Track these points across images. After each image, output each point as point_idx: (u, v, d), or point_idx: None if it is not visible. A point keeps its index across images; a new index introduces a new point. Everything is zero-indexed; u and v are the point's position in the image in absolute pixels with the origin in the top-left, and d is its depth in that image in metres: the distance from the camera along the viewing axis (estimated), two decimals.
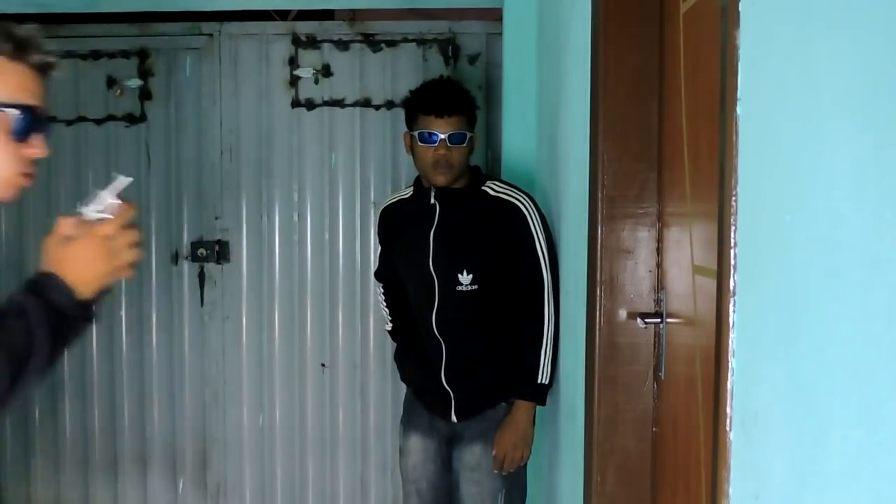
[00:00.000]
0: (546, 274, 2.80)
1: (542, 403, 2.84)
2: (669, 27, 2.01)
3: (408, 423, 3.06)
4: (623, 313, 2.15)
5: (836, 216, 0.95)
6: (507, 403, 2.86)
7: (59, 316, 1.42)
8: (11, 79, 1.48)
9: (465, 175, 2.88)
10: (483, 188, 2.88)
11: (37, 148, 1.50)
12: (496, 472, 2.84)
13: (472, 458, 2.89)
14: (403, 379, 3.13)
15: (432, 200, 2.87)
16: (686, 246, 1.85)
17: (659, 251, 2.13)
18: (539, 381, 2.79)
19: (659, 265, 2.14)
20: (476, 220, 2.84)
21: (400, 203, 3.01)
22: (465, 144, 2.81)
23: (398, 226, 2.99)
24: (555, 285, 2.81)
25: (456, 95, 2.85)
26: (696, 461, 1.69)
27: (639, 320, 2.11)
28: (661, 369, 2.07)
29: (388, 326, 3.18)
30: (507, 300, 2.87)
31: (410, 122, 2.86)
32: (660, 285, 2.12)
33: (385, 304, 3.16)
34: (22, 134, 1.47)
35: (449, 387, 2.90)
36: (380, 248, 3.13)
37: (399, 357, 3.16)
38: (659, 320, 2.05)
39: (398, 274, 3.03)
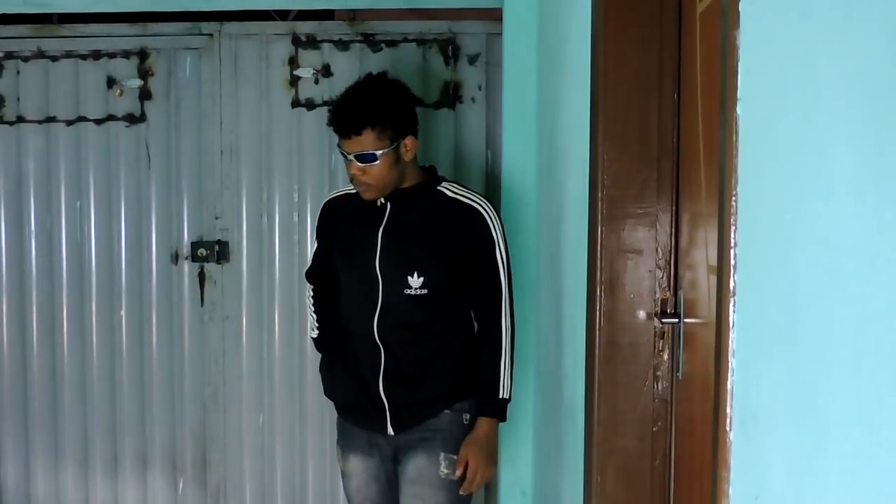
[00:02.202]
0: (504, 283, 2.69)
1: (504, 419, 2.73)
2: (686, 27, 2.01)
3: (345, 444, 2.85)
4: (629, 313, 2.16)
5: (836, 216, 0.95)
6: (451, 411, 2.71)
7: None
8: None
9: (413, 175, 2.70)
10: (439, 188, 2.72)
11: None
12: (462, 493, 2.68)
13: (414, 471, 2.70)
14: (327, 392, 2.91)
15: (383, 199, 2.68)
16: (703, 245, 1.86)
17: (676, 251, 2.14)
18: (501, 395, 2.68)
19: (671, 264, 2.14)
20: (430, 220, 2.68)
21: (347, 197, 2.79)
22: (376, 163, 2.58)
23: (342, 221, 2.78)
24: (511, 295, 2.71)
25: (360, 111, 2.59)
26: (710, 461, 1.69)
27: (655, 320, 2.12)
28: (678, 369, 2.07)
29: (314, 334, 2.93)
30: (457, 307, 2.73)
31: None
32: (678, 285, 2.12)
33: (313, 308, 2.92)
34: None
35: (385, 397, 2.70)
36: (316, 245, 2.90)
37: (325, 369, 2.91)
38: (676, 320, 2.05)
39: (334, 275, 2.81)
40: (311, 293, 2.91)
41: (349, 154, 2.59)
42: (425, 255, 2.65)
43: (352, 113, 2.59)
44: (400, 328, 2.69)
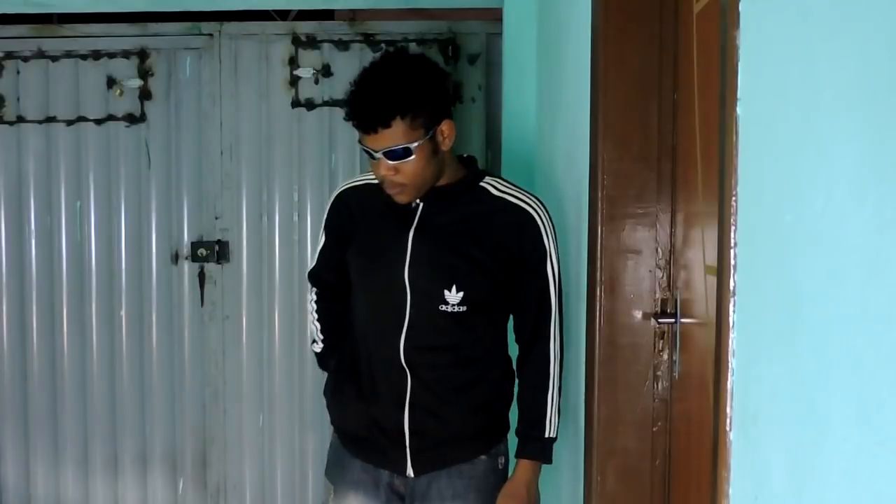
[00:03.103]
0: (554, 302, 2.26)
1: (549, 461, 2.30)
2: (684, 27, 2.01)
3: (341, 476, 2.35)
4: (629, 314, 2.16)
5: (836, 216, 0.95)
6: (489, 456, 2.29)
7: None
8: None
9: (450, 169, 2.23)
10: (482, 185, 2.26)
11: None
12: None
13: None
14: (335, 421, 2.40)
15: None
16: (699, 245, 1.86)
17: (673, 251, 2.13)
18: (547, 434, 2.27)
19: (670, 264, 2.14)
20: (471, 223, 2.23)
21: (368, 189, 2.27)
22: (411, 158, 2.10)
23: (362, 217, 2.30)
24: (561, 315, 2.29)
25: (386, 98, 2.08)
26: (710, 461, 1.69)
27: (652, 320, 2.11)
28: (675, 369, 2.07)
29: (317, 347, 2.44)
30: (496, 328, 2.32)
31: None
32: (674, 285, 2.12)
33: (316, 316, 2.43)
34: None
35: (409, 431, 2.25)
36: (323, 240, 2.39)
37: (332, 392, 2.41)
38: (673, 320, 2.05)
39: (344, 279, 2.34)
40: (314, 298, 2.45)
41: (376, 151, 2.10)
42: (465, 265, 2.21)
43: (376, 102, 2.08)
44: (431, 351, 2.25)
